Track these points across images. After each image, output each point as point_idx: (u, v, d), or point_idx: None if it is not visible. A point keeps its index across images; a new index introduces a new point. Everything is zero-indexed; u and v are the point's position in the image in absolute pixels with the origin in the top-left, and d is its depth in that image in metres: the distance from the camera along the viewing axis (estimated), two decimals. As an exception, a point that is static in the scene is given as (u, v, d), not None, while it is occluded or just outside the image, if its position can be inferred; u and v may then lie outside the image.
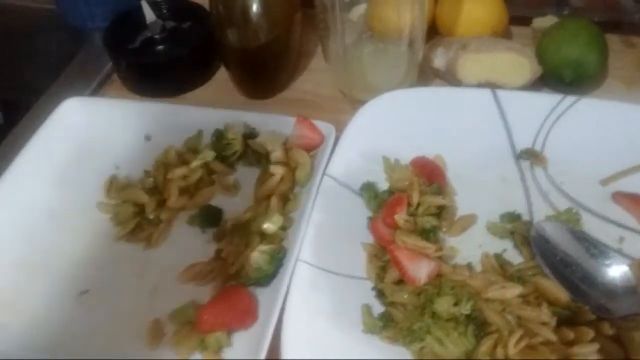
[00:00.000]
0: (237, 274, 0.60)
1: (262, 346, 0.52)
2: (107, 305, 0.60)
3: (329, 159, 0.66)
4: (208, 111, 0.74)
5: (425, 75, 0.80)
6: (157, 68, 0.83)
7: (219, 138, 0.70)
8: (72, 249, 0.66)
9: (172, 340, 0.56)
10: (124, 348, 0.57)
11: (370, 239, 0.63)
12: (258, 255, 0.59)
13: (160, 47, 0.83)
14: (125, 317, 0.59)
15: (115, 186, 0.70)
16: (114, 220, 0.67)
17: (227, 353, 0.56)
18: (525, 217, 0.64)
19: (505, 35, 0.82)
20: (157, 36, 0.83)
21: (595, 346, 0.50)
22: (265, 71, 0.80)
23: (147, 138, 0.75)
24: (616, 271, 0.56)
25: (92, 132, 0.75)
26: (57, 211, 0.69)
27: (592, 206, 0.64)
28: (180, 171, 0.68)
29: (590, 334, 0.51)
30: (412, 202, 0.63)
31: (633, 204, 0.63)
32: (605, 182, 0.66)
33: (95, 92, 0.87)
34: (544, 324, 0.52)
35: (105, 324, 0.56)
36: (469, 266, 0.60)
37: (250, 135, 0.71)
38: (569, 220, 0.61)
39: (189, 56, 0.83)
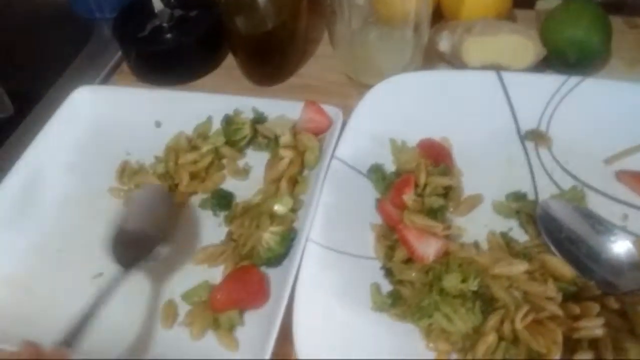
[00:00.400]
0: (249, 254, 0.61)
1: (274, 324, 0.53)
2: (121, 287, 0.61)
3: (337, 142, 0.67)
4: (217, 97, 0.75)
5: (431, 58, 0.81)
6: (166, 56, 0.84)
7: (229, 123, 0.71)
8: (86, 234, 0.67)
9: (185, 319, 0.58)
10: (139, 329, 0.58)
11: (378, 220, 0.64)
12: (269, 236, 0.60)
13: (168, 35, 0.84)
14: (140, 298, 0.61)
15: (127, 172, 0.71)
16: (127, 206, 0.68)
17: (240, 331, 0.57)
18: (531, 196, 0.65)
19: (510, 17, 0.83)
20: (165, 24, 0.84)
21: (600, 320, 0.51)
22: (272, 57, 0.81)
23: (158, 125, 0.76)
24: (621, 247, 0.57)
25: (102, 120, 0.76)
26: (71, 197, 0.71)
27: (596, 185, 0.65)
28: (190, 156, 0.70)
29: (596, 308, 0.52)
30: (419, 183, 0.64)
31: (637, 182, 0.64)
32: (609, 161, 0.67)
33: (105, 81, 0.89)
34: (550, 299, 0.53)
35: (120, 305, 0.58)
36: (476, 244, 0.61)
37: (259, 120, 0.72)
38: (574, 198, 0.62)
39: (197, 44, 0.84)
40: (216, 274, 0.61)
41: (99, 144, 0.75)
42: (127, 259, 0.60)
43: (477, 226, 0.63)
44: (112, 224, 0.62)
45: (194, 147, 0.71)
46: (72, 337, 0.52)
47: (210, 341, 0.57)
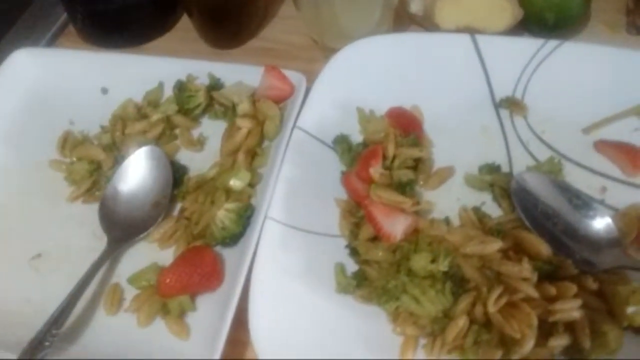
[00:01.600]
0: (202, 233, 0.56)
1: (228, 309, 0.49)
2: (61, 269, 0.57)
3: (300, 110, 0.62)
4: (169, 61, 0.69)
5: (401, 20, 0.76)
6: (114, 16, 0.77)
7: (181, 90, 0.66)
8: (23, 211, 0.62)
9: (131, 305, 0.53)
10: (81, 315, 0.53)
11: (343, 194, 0.60)
12: (224, 213, 0.55)
13: (117, -7, 0.77)
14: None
15: (70, 143, 0.65)
16: (68, 180, 0.62)
17: (192, 317, 0.53)
18: (505, 169, 0.61)
19: (486, -23, 0.78)
20: (113, -19, 0.77)
21: (578, 302, 0.48)
22: (230, 18, 0.74)
23: (104, 91, 0.70)
24: (600, 223, 0.54)
25: (44, 85, 0.70)
26: (7, 170, 0.65)
27: (574, 156, 0.62)
28: (139, 125, 0.64)
29: (573, 289, 0.49)
30: (387, 155, 0.59)
31: (616, 153, 0.61)
32: (587, 130, 0.63)
33: (50, 43, 0.82)
34: (525, 279, 0.49)
35: (61, 289, 0.52)
36: (447, 220, 0.57)
37: (214, 86, 0.67)
38: (551, 170, 0.59)
39: (149, 3, 0.77)
40: (166, 255, 0.57)
41: (39, 112, 0.68)
42: (118, 237, 0.56)
43: (449, 200, 0.60)
44: (105, 194, 0.59)
45: (143, 116, 0.65)
46: (59, 318, 0.49)
47: (160, 328, 0.52)
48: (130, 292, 0.55)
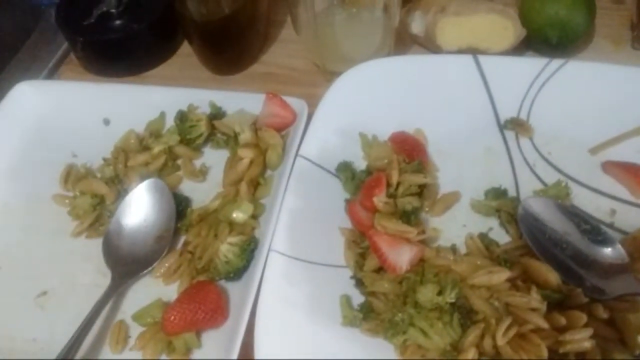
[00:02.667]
0: (206, 268, 0.56)
1: (234, 345, 0.49)
2: (67, 306, 0.56)
3: (302, 138, 0.62)
4: (170, 91, 0.69)
5: (403, 42, 0.75)
6: (115, 44, 0.77)
7: (183, 120, 0.65)
8: (27, 247, 0.61)
9: (137, 343, 0.53)
10: (87, 353, 0.53)
11: (348, 223, 0.59)
12: (227, 247, 0.55)
13: (117, 22, 0.77)
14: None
15: (73, 176, 0.65)
16: (72, 214, 0.62)
17: (197, 354, 0.52)
18: (512, 193, 0.60)
19: (487, -5, 0.77)
20: (113, 10, 0.77)
21: (589, 331, 0.47)
22: (231, 44, 0.74)
23: (106, 122, 0.70)
24: (609, 248, 0.53)
25: (46, 118, 0.70)
26: (9, 205, 0.65)
27: (581, 177, 0.61)
28: (141, 157, 0.64)
29: (584, 318, 0.48)
30: (391, 182, 0.59)
31: (624, 174, 0.60)
32: (594, 150, 0.62)
33: (52, 74, 0.82)
34: (534, 310, 0.49)
35: (67, 327, 0.52)
36: (453, 248, 0.56)
37: (216, 115, 0.67)
38: (558, 194, 0.58)
39: (149, 30, 0.77)
40: (170, 290, 0.56)
41: (41, 146, 0.68)
42: (122, 273, 0.56)
43: (455, 226, 0.59)
44: (108, 229, 0.59)
45: (145, 147, 0.65)
46: (66, 358, 0.49)
47: (166, 366, 0.52)
48: (135, 329, 0.54)
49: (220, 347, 0.51)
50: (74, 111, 0.69)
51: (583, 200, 0.59)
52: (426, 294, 0.50)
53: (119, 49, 0.77)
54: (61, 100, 0.70)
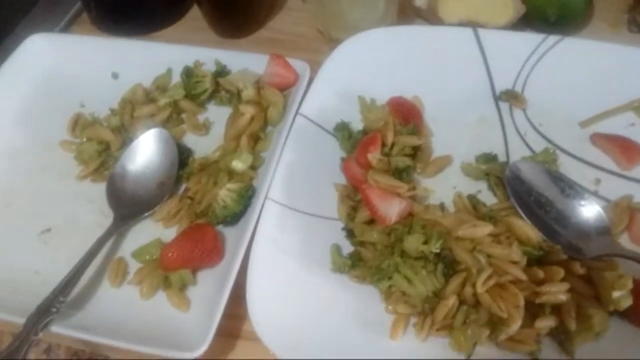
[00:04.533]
0: (205, 212, 0.58)
1: (227, 284, 0.51)
2: (69, 243, 0.59)
3: (303, 98, 0.64)
4: (178, 48, 0.71)
5: (406, 14, 0.77)
6: (126, 5, 0.79)
7: (189, 76, 0.68)
8: (33, 188, 0.64)
9: (135, 278, 0.55)
10: (87, 286, 0.55)
11: (342, 180, 0.61)
12: (226, 193, 0.57)
13: (129, -17, 0.79)
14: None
15: (80, 124, 0.67)
16: (78, 159, 0.65)
17: (192, 291, 0.55)
18: (502, 159, 0.62)
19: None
20: (126, -29, 0.79)
21: (565, 285, 0.49)
22: (238, 8, 0.76)
23: (115, 76, 0.72)
24: (590, 212, 0.55)
25: (57, 69, 0.72)
26: (19, 150, 0.67)
27: (570, 148, 0.63)
28: (147, 109, 0.66)
29: (561, 273, 0.50)
30: (386, 142, 0.61)
31: (610, 145, 0.62)
32: (584, 124, 0.65)
33: (64, 31, 0.84)
34: (514, 262, 0.51)
35: (68, 261, 0.54)
36: (442, 206, 0.58)
37: (221, 73, 0.69)
38: (546, 160, 0.60)
39: (160, -8, 0.79)
40: (170, 233, 0.58)
41: (51, 95, 0.71)
42: (124, 215, 0.59)
43: (445, 188, 0.61)
44: (113, 173, 0.61)
45: (151, 100, 0.67)
46: (66, 287, 0.51)
47: (161, 300, 0.54)
48: (134, 267, 0.57)
49: (213, 285, 0.53)
50: (84, 64, 0.72)
51: (570, 168, 0.61)
52: (412, 242, 0.52)
53: (130, 9, 0.80)
54: (72, 53, 0.72)
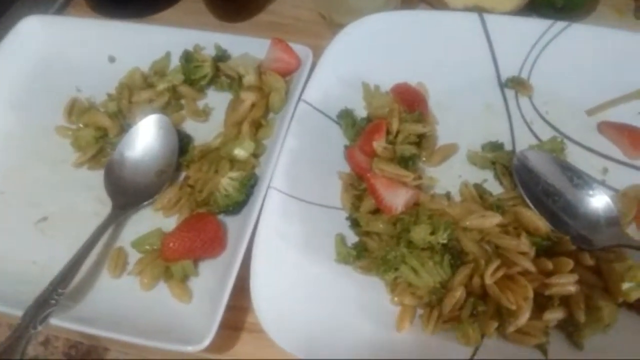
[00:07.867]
0: (206, 201, 0.57)
1: (229, 275, 0.50)
2: (67, 232, 0.57)
3: (306, 84, 0.62)
4: (177, 31, 0.69)
5: (410, -1, 0.76)
6: (123, -14, 0.77)
7: (188, 60, 0.66)
8: (28, 174, 0.62)
9: (135, 268, 0.54)
10: (86, 277, 0.54)
11: (346, 168, 0.60)
12: (227, 181, 0.56)
13: (126, -37, 0.77)
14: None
15: (77, 109, 0.65)
16: (74, 145, 0.63)
17: (194, 282, 0.54)
18: (508, 147, 0.61)
19: (496, -43, 0.77)
20: (122, -49, 0.77)
21: (574, 276, 0.49)
22: (238, -10, 0.74)
23: (111, 60, 0.70)
24: (599, 202, 0.54)
25: (52, 52, 0.70)
26: (14, 135, 0.65)
27: (577, 137, 0.62)
28: (145, 94, 0.64)
29: (570, 264, 0.49)
30: (391, 130, 0.60)
31: (618, 134, 0.61)
32: (591, 112, 0.64)
33: (59, 12, 0.82)
34: (523, 253, 0.50)
35: (66, 251, 0.53)
36: (448, 196, 0.57)
37: (221, 57, 0.67)
38: (553, 149, 0.59)
39: (157, -27, 0.77)
40: (170, 222, 0.57)
41: (46, 79, 0.69)
42: (122, 203, 0.57)
43: (451, 177, 0.60)
44: (111, 160, 0.60)
45: (149, 85, 0.66)
46: (65, 278, 0.50)
47: (163, 292, 0.53)
48: (134, 257, 0.55)
49: (216, 276, 0.52)
50: (79, 47, 0.70)
51: (577, 157, 0.60)
52: (419, 232, 0.51)
53: (126, -10, 0.77)
54: (67, 36, 0.70)
